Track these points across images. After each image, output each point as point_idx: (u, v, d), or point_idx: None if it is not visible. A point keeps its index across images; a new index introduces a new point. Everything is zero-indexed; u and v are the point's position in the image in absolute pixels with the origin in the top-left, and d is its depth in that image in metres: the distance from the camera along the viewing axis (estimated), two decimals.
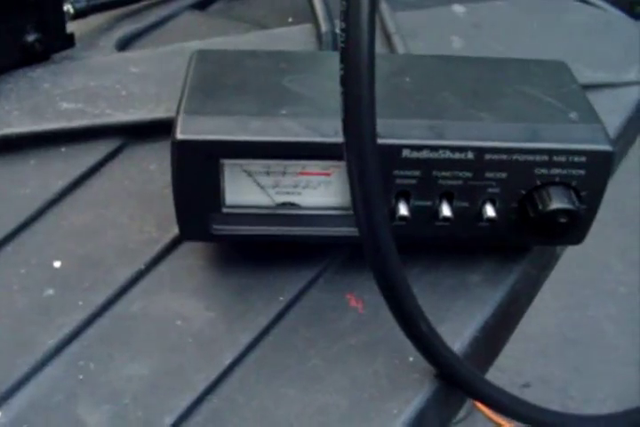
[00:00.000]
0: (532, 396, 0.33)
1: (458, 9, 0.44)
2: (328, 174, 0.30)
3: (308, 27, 0.42)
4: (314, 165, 0.30)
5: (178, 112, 0.30)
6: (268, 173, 0.30)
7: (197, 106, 0.30)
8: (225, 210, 0.31)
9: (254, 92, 0.31)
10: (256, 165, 0.30)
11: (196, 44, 0.41)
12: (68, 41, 0.42)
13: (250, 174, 0.30)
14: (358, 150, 0.24)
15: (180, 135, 0.29)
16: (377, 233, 0.26)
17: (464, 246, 0.34)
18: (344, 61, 0.24)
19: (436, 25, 0.43)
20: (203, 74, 0.32)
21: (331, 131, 0.29)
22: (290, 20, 0.47)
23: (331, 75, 0.32)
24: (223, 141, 0.29)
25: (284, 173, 0.30)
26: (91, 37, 0.44)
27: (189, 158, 0.30)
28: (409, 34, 0.41)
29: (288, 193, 0.31)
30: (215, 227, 0.31)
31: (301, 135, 0.29)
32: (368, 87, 0.23)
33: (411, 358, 0.30)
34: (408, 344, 0.29)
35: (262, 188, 0.31)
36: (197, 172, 0.30)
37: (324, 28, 0.41)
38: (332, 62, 0.33)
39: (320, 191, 0.31)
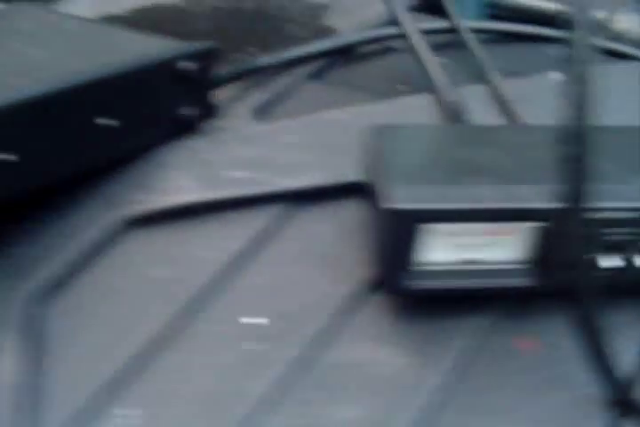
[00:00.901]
0: None
1: (554, 76, 0.49)
2: (511, 233, 0.35)
3: (426, 96, 0.47)
4: (500, 227, 0.35)
5: (380, 182, 0.35)
6: (457, 234, 0.35)
7: (395, 177, 0.35)
8: (416, 267, 0.35)
9: (438, 163, 0.36)
10: (448, 227, 0.34)
11: (332, 114, 0.46)
12: (212, 110, 0.46)
13: (441, 235, 0.35)
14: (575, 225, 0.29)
15: (387, 204, 0.34)
16: (590, 287, 0.30)
17: None
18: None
19: (541, 91, 0.47)
20: (385, 147, 0.37)
21: (520, 197, 0.34)
22: (399, 86, 0.51)
23: (504, 147, 0.37)
24: (426, 209, 0.34)
25: (471, 234, 0.35)
26: (225, 106, 0.48)
27: (392, 223, 0.34)
28: (520, 100, 0.46)
29: (474, 251, 0.35)
30: (407, 282, 0.35)
31: (497, 202, 0.34)
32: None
33: (591, 391, 0.34)
34: (585, 379, 0.33)
35: (451, 246, 0.35)
36: (396, 234, 0.34)
37: (447, 97, 0.45)
38: (500, 135, 0.40)
39: (504, 248, 0.35)
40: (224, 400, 0.34)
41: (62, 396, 0.34)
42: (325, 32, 0.56)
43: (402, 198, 0.34)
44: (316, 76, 0.53)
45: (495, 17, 0.58)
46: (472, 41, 0.50)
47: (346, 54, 0.55)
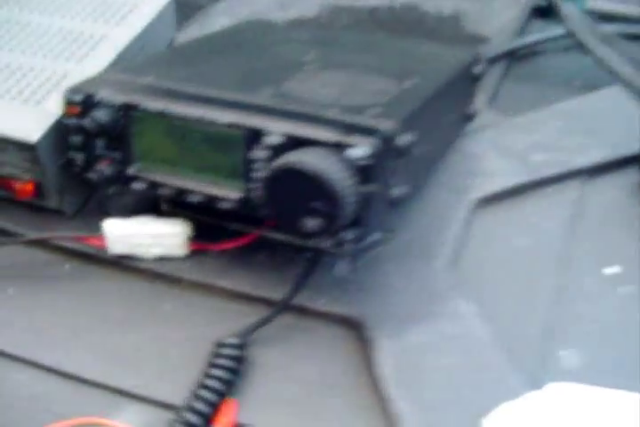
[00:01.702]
0: None
1: None
2: None
3: (616, 88, 0.57)
4: None
5: None
6: None
7: None
8: None
9: None
10: None
11: (568, 104, 0.56)
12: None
13: None
14: None
15: None
16: None
17: None
18: None
19: None
20: None
21: None
22: (576, 81, 0.62)
23: None
24: None
25: None
26: None
27: None
28: None
29: None
30: None
31: None
32: None
33: None
34: None
35: None
36: None
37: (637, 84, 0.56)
38: None
39: None
40: (632, 333, 0.43)
41: (515, 345, 0.41)
42: (478, 38, 0.65)
43: None
44: (505, 75, 0.62)
45: None
46: (620, 40, 0.61)
47: (511, 56, 0.64)
